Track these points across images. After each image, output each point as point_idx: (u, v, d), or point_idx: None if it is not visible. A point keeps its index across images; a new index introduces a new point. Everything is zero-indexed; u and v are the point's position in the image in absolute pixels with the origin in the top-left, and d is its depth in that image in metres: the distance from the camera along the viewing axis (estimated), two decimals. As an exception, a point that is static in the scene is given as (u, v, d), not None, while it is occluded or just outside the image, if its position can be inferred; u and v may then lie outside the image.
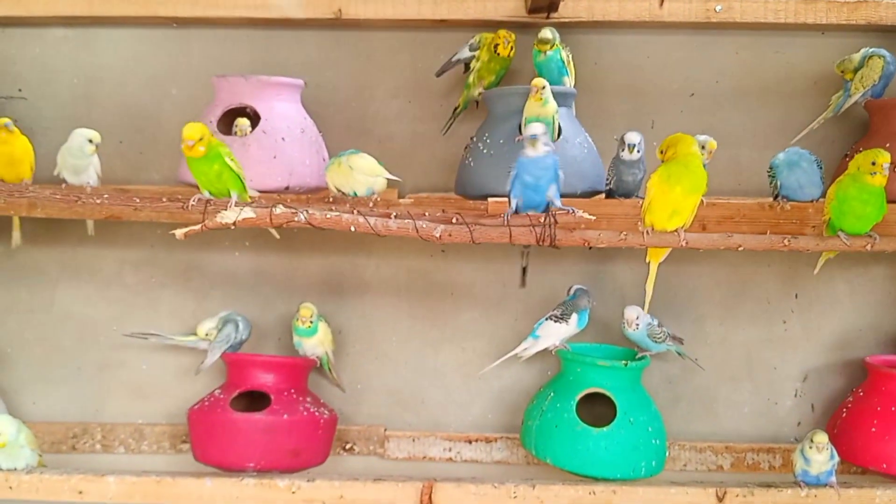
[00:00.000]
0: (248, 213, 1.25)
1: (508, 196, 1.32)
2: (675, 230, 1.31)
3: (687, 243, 1.29)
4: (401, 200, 1.53)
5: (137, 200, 1.32)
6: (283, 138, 1.49)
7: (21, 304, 1.69)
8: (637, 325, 1.49)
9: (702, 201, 1.45)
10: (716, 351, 1.66)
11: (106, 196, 1.34)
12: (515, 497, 1.43)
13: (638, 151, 1.42)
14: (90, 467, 1.54)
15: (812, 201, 1.44)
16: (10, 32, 1.67)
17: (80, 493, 1.45)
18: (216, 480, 1.46)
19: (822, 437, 1.39)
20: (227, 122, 1.53)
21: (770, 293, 1.65)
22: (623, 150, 1.43)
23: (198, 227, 1.25)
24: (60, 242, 1.64)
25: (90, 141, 1.46)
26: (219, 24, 1.65)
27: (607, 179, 1.49)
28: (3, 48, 1.67)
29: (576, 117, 1.53)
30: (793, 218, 1.45)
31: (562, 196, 1.42)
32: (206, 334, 1.59)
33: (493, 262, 1.65)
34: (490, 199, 1.42)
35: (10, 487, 1.45)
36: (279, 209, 1.26)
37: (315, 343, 1.58)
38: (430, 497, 1.44)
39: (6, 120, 1.42)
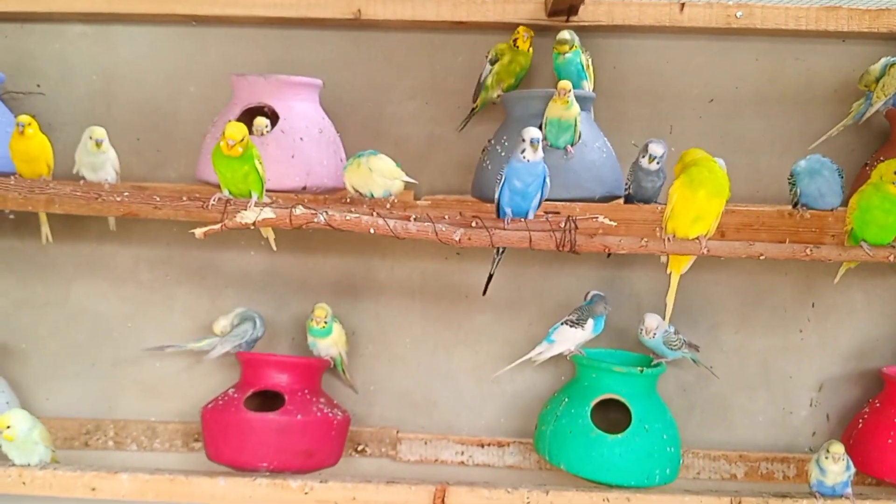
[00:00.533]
0: (267, 213, 1.25)
1: (498, 203, 1.32)
2: (697, 237, 1.30)
3: (708, 251, 1.28)
4: (417, 202, 1.52)
5: (158, 199, 1.32)
6: (301, 138, 1.49)
7: (36, 299, 1.69)
8: (655, 333, 1.49)
9: (721, 208, 1.45)
10: (731, 359, 1.65)
11: (126, 194, 1.34)
12: (528, 502, 1.43)
13: (658, 163, 1.41)
14: (103, 464, 1.55)
15: (832, 210, 1.44)
16: (29, 28, 1.68)
17: (94, 489, 1.45)
18: (229, 480, 1.46)
19: (838, 448, 1.38)
20: (244, 121, 1.52)
21: (787, 302, 1.64)
22: (643, 157, 1.42)
23: (217, 226, 1.25)
24: (76, 239, 1.65)
25: (91, 138, 1.46)
26: (237, 23, 1.65)
27: (626, 184, 1.49)
28: (23, 44, 1.68)
29: (594, 121, 1.53)
30: (812, 226, 1.44)
31: (580, 200, 1.43)
32: (222, 331, 1.59)
33: (508, 265, 1.64)
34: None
35: (24, 483, 1.45)
36: (299, 210, 1.26)
37: (329, 343, 1.58)
38: (443, 501, 1.43)
39: (22, 119, 1.42)
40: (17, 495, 1.47)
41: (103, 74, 1.68)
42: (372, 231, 1.28)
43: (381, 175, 1.41)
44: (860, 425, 1.52)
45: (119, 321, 1.68)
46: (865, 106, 1.53)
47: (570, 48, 1.49)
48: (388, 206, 1.42)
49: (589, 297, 1.54)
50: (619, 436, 1.43)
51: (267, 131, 1.48)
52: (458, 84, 1.63)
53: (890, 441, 1.45)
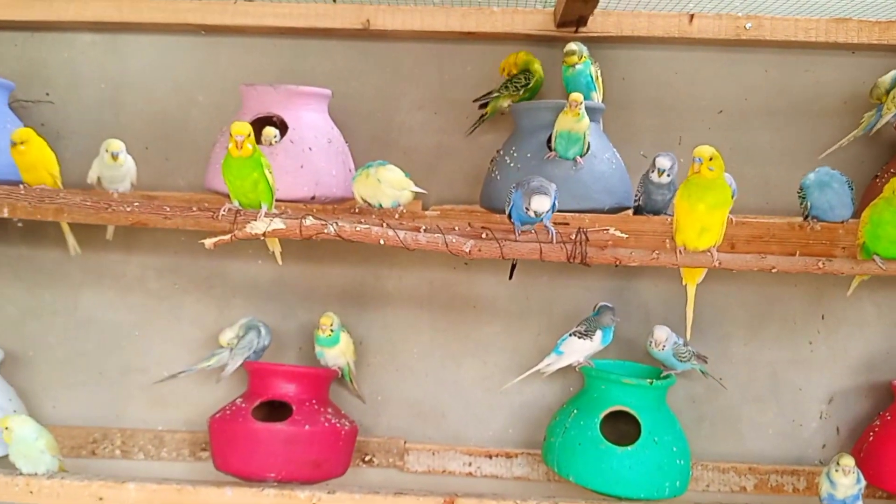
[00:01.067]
0: (277, 224, 1.25)
1: (509, 215, 1.32)
2: (708, 250, 1.29)
3: (720, 264, 1.28)
4: (426, 212, 1.52)
5: (168, 209, 1.32)
6: (310, 148, 1.49)
7: (44, 307, 1.69)
8: (664, 346, 1.48)
9: (730, 220, 1.44)
10: (741, 371, 1.64)
11: (136, 204, 1.34)
12: (538, 514, 1.42)
13: (668, 176, 1.41)
14: (110, 473, 1.55)
15: (843, 222, 1.43)
16: (39, 37, 1.68)
17: (101, 499, 1.45)
18: (237, 490, 1.45)
19: (848, 461, 1.37)
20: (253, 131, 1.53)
21: (796, 313, 1.64)
22: (653, 171, 1.42)
23: (227, 236, 1.25)
24: (85, 247, 1.64)
25: (107, 151, 1.46)
26: (247, 33, 1.65)
27: (636, 196, 1.49)
28: (33, 52, 1.68)
29: (604, 132, 1.53)
30: (823, 239, 1.43)
31: (590, 211, 1.43)
32: (229, 342, 1.59)
33: (517, 275, 1.63)
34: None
35: (31, 492, 1.45)
36: (309, 221, 1.26)
37: (337, 353, 1.58)
38: (451, 512, 1.43)
39: (14, 136, 1.40)
40: (24, 505, 1.47)
41: (112, 83, 1.68)
42: (382, 242, 1.28)
43: (390, 186, 1.41)
44: (871, 438, 1.51)
45: (127, 330, 1.68)
46: (876, 117, 1.53)
47: (580, 59, 1.49)
48: (396, 216, 1.42)
49: (597, 309, 1.53)
50: (629, 448, 1.42)
51: (276, 141, 1.48)
52: (467, 94, 1.63)
53: (901, 454, 1.44)
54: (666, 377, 1.50)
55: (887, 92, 1.51)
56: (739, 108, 1.63)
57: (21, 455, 1.45)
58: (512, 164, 1.47)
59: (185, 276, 1.68)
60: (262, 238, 1.27)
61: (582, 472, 1.44)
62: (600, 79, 1.53)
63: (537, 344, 1.64)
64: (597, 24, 1.57)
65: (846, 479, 1.37)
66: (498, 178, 1.49)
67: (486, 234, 1.29)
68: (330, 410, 1.54)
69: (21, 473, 1.46)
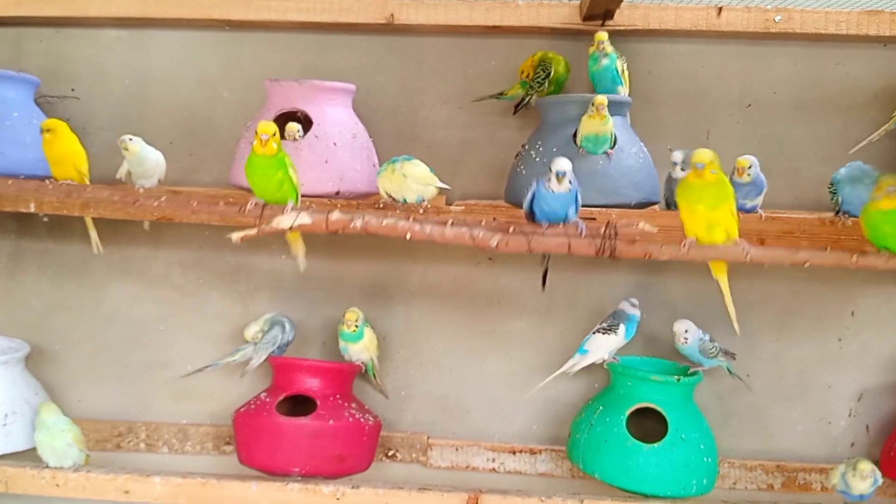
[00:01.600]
0: (304, 218, 1.24)
1: (530, 211, 1.30)
2: (735, 242, 1.26)
3: (750, 258, 1.26)
4: (451, 207, 1.51)
5: (195, 204, 1.32)
6: (334, 143, 1.48)
7: (70, 302, 1.70)
8: (685, 338, 1.47)
9: (760, 215, 1.42)
10: (769, 368, 1.62)
11: (163, 198, 1.34)
12: (563, 511, 1.41)
13: (682, 170, 1.39)
14: (135, 466, 1.55)
15: (874, 218, 1.40)
16: (64, 33, 1.69)
17: (127, 492, 1.46)
18: (261, 484, 1.45)
19: (866, 466, 1.36)
20: (277, 126, 1.53)
21: (825, 310, 1.61)
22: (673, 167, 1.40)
23: (254, 231, 1.25)
24: (110, 242, 1.64)
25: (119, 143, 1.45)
26: (271, 28, 1.65)
27: (664, 191, 1.47)
28: (58, 48, 1.69)
29: (631, 126, 1.51)
30: (854, 234, 1.40)
31: (616, 206, 1.41)
32: (253, 337, 1.59)
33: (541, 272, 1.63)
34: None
35: (58, 485, 1.46)
36: (335, 215, 1.25)
37: (361, 348, 1.57)
38: (475, 509, 1.42)
39: (43, 124, 1.40)
40: (50, 497, 1.48)
41: (137, 79, 1.69)
42: (408, 236, 1.27)
43: (415, 181, 1.41)
44: (901, 437, 1.49)
45: (152, 324, 1.69)
46: (908, 111, 1.50)
47: (608, 50, 1.47)
48: (421, 211, 1.41)
49: (619, 305, 1.52)
50: (656, 445, 1.41)
51: (299, 136, 1.48)
52: (492, 89, 1.62)
53: (932, 453, 1.42)
54: (693, 374, 1.48)
55: (921, 85, 1.48)
56: (768, 102, 1.61)
57: (48, 448, 1.46)
58: (537, 159, 1.46)
59: (210, 271, 1.69)
60: (290, 230, 1.26)
61: (608, 470, 1.42)
62: (626, 72, 1.52)
63: (562, 340, 1.62)
64: (623, 17, 1.56)
65: (863, 484, 1.37)
66: (523, 172, 1.48)
67: (514, 229, 1.28)
68: (354, 405, 1.54)
69: (48, 466, 1.47)
